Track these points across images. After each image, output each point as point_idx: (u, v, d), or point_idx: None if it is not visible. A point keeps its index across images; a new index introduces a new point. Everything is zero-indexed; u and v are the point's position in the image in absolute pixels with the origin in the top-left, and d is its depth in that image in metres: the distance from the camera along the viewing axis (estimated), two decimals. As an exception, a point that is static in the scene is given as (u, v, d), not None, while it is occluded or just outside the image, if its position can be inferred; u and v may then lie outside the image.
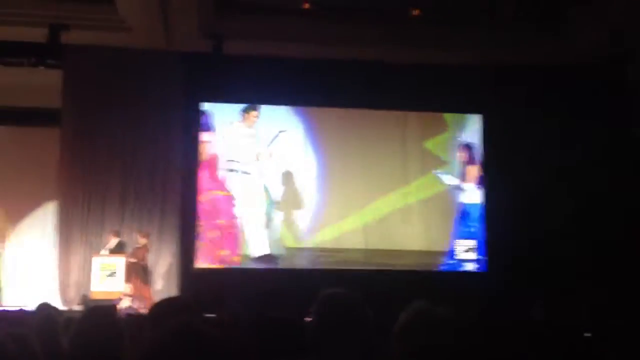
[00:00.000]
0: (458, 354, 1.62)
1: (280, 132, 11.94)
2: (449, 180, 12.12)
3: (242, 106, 12.01)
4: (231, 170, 11.84)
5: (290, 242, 11.88)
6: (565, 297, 10.04)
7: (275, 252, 11.73)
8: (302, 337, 2.53)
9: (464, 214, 12.07)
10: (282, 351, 3.05)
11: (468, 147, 12.30)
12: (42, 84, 11.34)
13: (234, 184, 11.82)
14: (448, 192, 12.25)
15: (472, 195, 12.14)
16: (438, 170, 12.15)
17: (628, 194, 11.75)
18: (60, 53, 10.95)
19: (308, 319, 2.39)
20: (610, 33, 10.78)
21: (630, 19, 10.66)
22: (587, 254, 11.33)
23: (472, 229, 12.02)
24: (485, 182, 12.33)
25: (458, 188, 12.13)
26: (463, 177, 12.20)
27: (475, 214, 12.10)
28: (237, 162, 11.87)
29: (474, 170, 12.21)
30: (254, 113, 12.01)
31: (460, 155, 12.28)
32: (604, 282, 10.59)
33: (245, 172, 11.85)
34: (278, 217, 11.86)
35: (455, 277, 11.77)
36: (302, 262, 11.84)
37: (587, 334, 4.55)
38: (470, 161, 12.24)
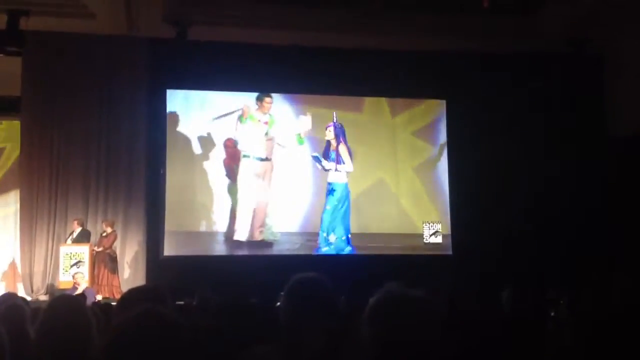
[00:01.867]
0: (429, 335, 1.64)
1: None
2: (325, 164, 11.97)
3: (256, 94, 12.00)
4: (245, 156, 11.90)
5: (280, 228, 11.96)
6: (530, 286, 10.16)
7: (270, 237, 11.83)
8: (272, 321, 2.55)
9: (330, 192, 11.97)
10: (252, 336, 3.06)
11: (335, 126, 12.12)
12: (2, 72, 11.10)
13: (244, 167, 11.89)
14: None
15: (338, 174, 12.04)
16: (314, 154, 12.02)
17: (589, 179, 12.04)
18: (20, 40, 10.73)
19: (278, 304, 2.40)
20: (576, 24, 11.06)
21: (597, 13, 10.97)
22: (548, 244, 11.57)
23: (337, 209, 11.97)
24: (449, 166, 12.52)
25: (334, 170, 11.98)
26: (337, 157, 12.00)
27: (341, 193, 12.02)
28: (251, 147, 11.90)
29: (343, 149, 12.06)
30: (267, 100, 12.00)
31: (328, 133, 12.10)
32: (567, 269, 10.71)
33: (261, 159, 11.90)
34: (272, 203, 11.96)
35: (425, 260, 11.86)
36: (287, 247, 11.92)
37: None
38: (338, 140, 12.04)
